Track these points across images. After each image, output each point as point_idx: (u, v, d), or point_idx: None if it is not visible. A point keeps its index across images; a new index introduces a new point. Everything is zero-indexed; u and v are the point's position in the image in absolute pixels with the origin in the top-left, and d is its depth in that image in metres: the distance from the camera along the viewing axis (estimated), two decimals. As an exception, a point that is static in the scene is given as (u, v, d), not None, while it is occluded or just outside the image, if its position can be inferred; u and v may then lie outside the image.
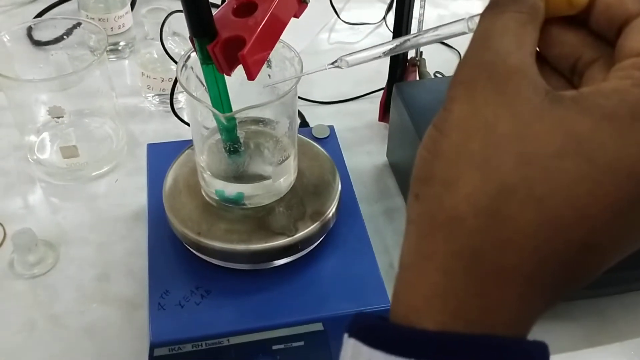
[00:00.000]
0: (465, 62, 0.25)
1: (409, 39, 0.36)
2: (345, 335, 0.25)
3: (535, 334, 0.59)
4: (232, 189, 0.51)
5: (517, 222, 0.23)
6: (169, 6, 0.73)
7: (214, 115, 0.47)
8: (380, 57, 0.38)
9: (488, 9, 0.27)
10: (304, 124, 0.73)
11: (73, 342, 0.55)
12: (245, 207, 0.51)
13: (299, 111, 0.75)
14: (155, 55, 0.75)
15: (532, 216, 0.22)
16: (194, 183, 0.53)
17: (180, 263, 0.52)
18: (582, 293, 0.55)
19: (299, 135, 0.57)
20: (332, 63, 0.40)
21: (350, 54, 0.39)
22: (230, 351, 0.47)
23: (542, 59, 0.28)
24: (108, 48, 0.82)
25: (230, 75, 0.45)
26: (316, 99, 0.80)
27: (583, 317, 0.57)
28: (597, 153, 0.22)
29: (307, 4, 0.49)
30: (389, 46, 0.37)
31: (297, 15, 0.48)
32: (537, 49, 0.27)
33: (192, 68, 0.49)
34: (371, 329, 0.24)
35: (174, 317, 0.48)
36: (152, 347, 0.46)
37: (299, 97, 0.78)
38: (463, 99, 0.25)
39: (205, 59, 0.45)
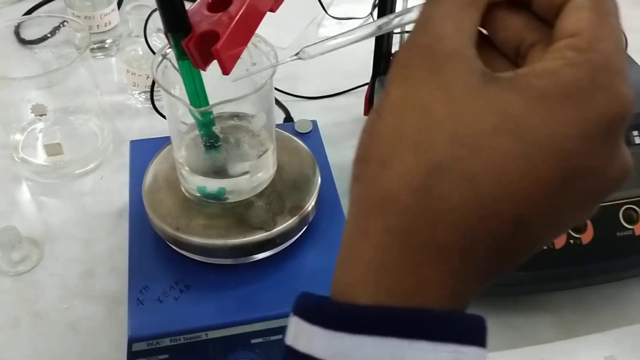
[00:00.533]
0: (404, 46, 0.26)
1: (367, 31, 0.36)
2: (291, 314, 0.26)
3: (516, 325, 0.59)
4: (212, 184, 0.51)
5: (449, 200, 0.23)
6: (154, 3, 0.73)
7: (190, 110, 0.48)
8: (342, 47, 0.38)
9: None
10: (288, 119, 0.74)
11: (57, 338, 0.55)
12: (225, 202, 0.51)
13: (284, 106, 0.76)
14: (141, 52, 0.75)
15: (463, 193, 0.23)
16: (173, 179, 0.53)
17: (160, 259, 0.52)
18: (562, 284, 0.56)
19: (280, 130, 0.58)
20: (295, 54, 0.41)
21: (311, 45, 0.39)
22: (209, 345, 0.48)
23: (490, 42, 0.28)
24: (95, 46, 0.83)
25: (205, 70, 0.46)
26: (303, 94, 0.80)
27: (563, 308, 0.57)
28: (529, 132, 0.23)
29: (283, -1, 0.49)
30: (348, 36, 0.37)
31: (273, 10, 0.48)
32: (486, 32, 0.28)
33: (169, 60, 0.49)
34: (311, 307, 0.25)
35: (153, 312, 0.48)
36: (130, 342, 0.46)
37: (286, 93, 0.78)
38: (400, 81, 0.25)
39: (181, 55, 0.45)
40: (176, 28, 0.43)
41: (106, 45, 0.83)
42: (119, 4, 0.87)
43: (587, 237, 0.54)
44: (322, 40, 0.40)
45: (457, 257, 0.23)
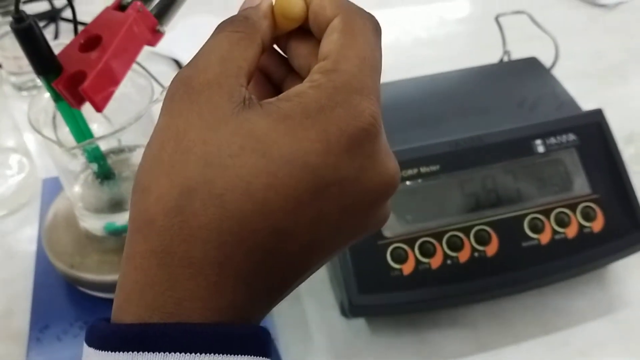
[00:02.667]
0: (172, 80, 0.27)
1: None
2: None
3: (431, 340, 0.58)
4: (121, 219, 0.51)
5: (200, 218, 0.24)
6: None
7: (84, 149, 0.48)
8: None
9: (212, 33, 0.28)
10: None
11: (-26, 381, 0.55)
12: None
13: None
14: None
15: (213, 211, 0.24)
16: (72, 215, 0.53)
17: (62, 296, 0.52)
18: (473, 297, 0.55)
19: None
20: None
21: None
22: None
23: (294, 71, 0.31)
24: (30, 85, 0.84)
25: (80, 109, 0.46)
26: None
27: (478, 322, 0.57)
28: (272, 149, 0.24)
29: (162, 33, 0.49)
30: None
31: (152, 44, 0.49)
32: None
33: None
34: (89, 330, 0.26)
35: (50, 351, 0.48)
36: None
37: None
38: (164, 112, 0.27)
39: (57, 96, 0.46)
40: (44, 71, 0.44)
41: (39, 84, 0.84)
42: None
43: (491, 249, 0.54)
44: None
45: (215, 271, 0.24)
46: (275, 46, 0.31)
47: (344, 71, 0.26)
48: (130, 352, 0.24)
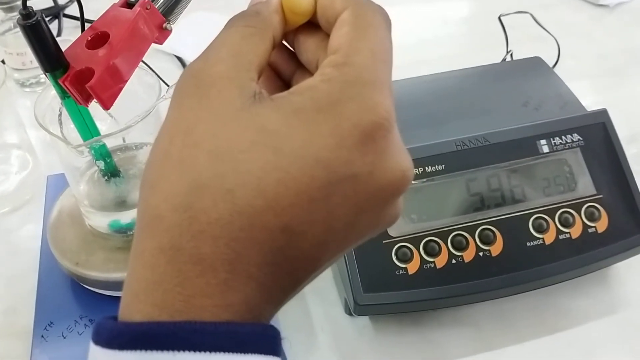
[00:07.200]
0: (182, 73, 0.27)
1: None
2: None
3: (435, 340, 0.58)
4: (125, 217, 0.51)
5: (210, 214, 0.24)
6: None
7: (90, 147, 0.48)
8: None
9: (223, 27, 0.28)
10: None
11: (-23, 378, 0.55)
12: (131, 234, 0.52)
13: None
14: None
15: (224, 207, 0.24)
16: (77, 213, 0.53)
17: (68, 294, 0.52)
18: (477, 297, 0.55)
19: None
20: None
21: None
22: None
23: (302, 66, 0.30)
24: (34, 80, 0.84)
25: (87, 106, 0.46)
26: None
27: (483, 321, 0.57)
28: (284, 144, 0.24)
29: (170, 30, 0.49)
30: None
31: (159, 42, 0.49)
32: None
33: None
34: (95, 328, 0.26)
35: (55, 348, 0.48)
36: (28, 380, 0.47)
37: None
38: (173, 106, 0.26)
39: (63, 92, 0.46)
40: (51, 68, 0.44)
41: (42, 80, 0.84)
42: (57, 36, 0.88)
43: (496, 249, 0.54)
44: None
45: (225, 268, 0.24)
46: (283, 41, 0.31)
47: (355, 64, 0.25)
48: (139, 351, 0.23)
